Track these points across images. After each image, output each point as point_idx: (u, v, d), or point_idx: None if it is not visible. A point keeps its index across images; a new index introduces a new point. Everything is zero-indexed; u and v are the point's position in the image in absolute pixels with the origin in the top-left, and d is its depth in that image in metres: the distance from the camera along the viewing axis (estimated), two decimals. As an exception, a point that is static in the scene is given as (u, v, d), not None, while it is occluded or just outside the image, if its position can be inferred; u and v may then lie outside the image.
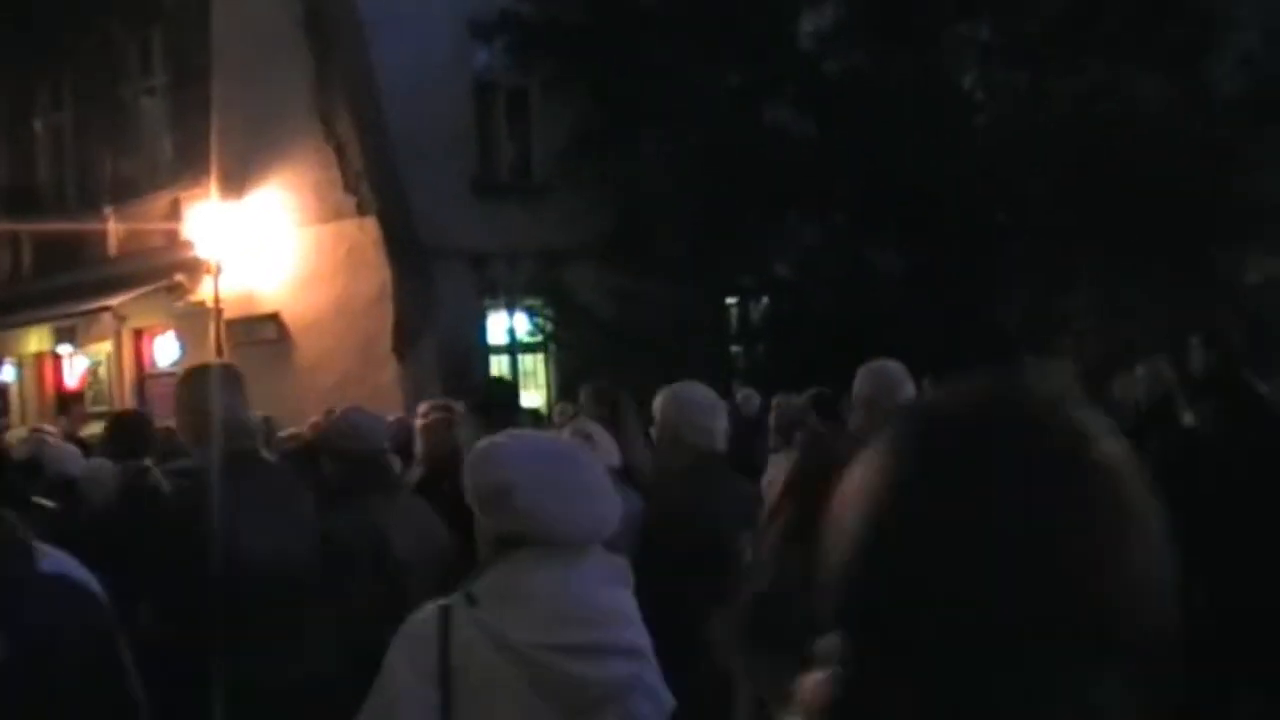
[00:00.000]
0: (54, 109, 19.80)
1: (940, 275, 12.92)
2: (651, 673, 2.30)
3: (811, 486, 2.36)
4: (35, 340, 19.35)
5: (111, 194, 18.43)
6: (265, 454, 4.00)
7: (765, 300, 15.21)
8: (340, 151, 14.58)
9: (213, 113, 16.26)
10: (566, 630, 2.19)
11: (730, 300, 15.63)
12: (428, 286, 14.32)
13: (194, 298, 16.22)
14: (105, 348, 18.36)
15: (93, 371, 18.94)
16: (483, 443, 2.38)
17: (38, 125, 20.03)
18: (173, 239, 16.63)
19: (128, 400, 18.03)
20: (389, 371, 13.90)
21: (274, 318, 15.59)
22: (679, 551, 3.79)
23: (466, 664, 2.15)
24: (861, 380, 4.69)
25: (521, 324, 15.98)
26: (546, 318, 15.54)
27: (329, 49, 14.79)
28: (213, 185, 16.19)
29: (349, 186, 14.61)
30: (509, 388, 5.12)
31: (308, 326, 15.23)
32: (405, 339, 14.10)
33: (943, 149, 12.69)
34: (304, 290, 15.35)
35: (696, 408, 4.24)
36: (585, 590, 2.24)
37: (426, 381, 13.50)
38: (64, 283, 18.55)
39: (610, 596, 2.29)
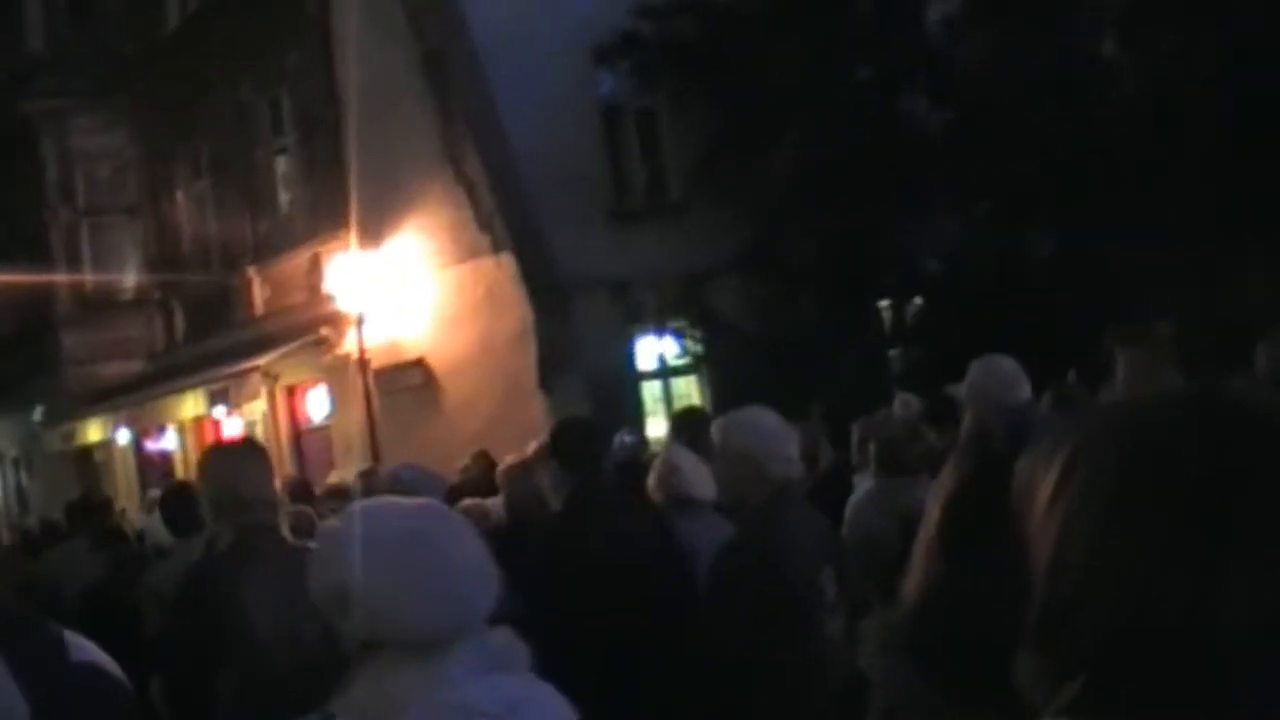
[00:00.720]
0: (194, 178, 20.47)
1: (1089, 258, 12.38)
2: None
3: (971, 499, 2.12)
4: (191, 405, 19.94)
5: (254, 255, 18.96)
6: (284, 530, 3.87)
7: (917, 300, 14.81)
8: (470, 190, 14.70)
9: (345, 165, 16.59)
10: None
11: (882, 303, 15.26)
12: (569, 318, 14.30)
13: (340, 350, 16.50)
14: (259, 407, 18.81)
15: (249, 431, 19.42)
16: (322, 533, 2.11)
17: (180, 196, 20.73)
18: (315, 294, 16.96)
19: (285, 457, 18.44)
20: (537, 407, 13.87)
21: (419, 363, 15.76)
22: (762, 593, 3.63)
23: None
24: (975, 378, 4.48)
25: (670, 348, 15.88)
26: (694, 339, 15.40)
27: (450, 89, 14.96)
28: (350, 237, 16.49)
29: (482, 225, 14.70)
30: (582, 428, 4.88)
31: (452, 369, 15.35)
32: (550, 373, 14.09)
33: (1084, 123, 12.18)
34: (446, 333, 15.49)
35: (774, 435, 3.96)
36: (458, 689, 1.91)
37: (576, 414, 13.44)
38: (215, 346, 19.14)
39: (493, 688, 1.93)
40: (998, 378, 4.57)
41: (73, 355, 20.93)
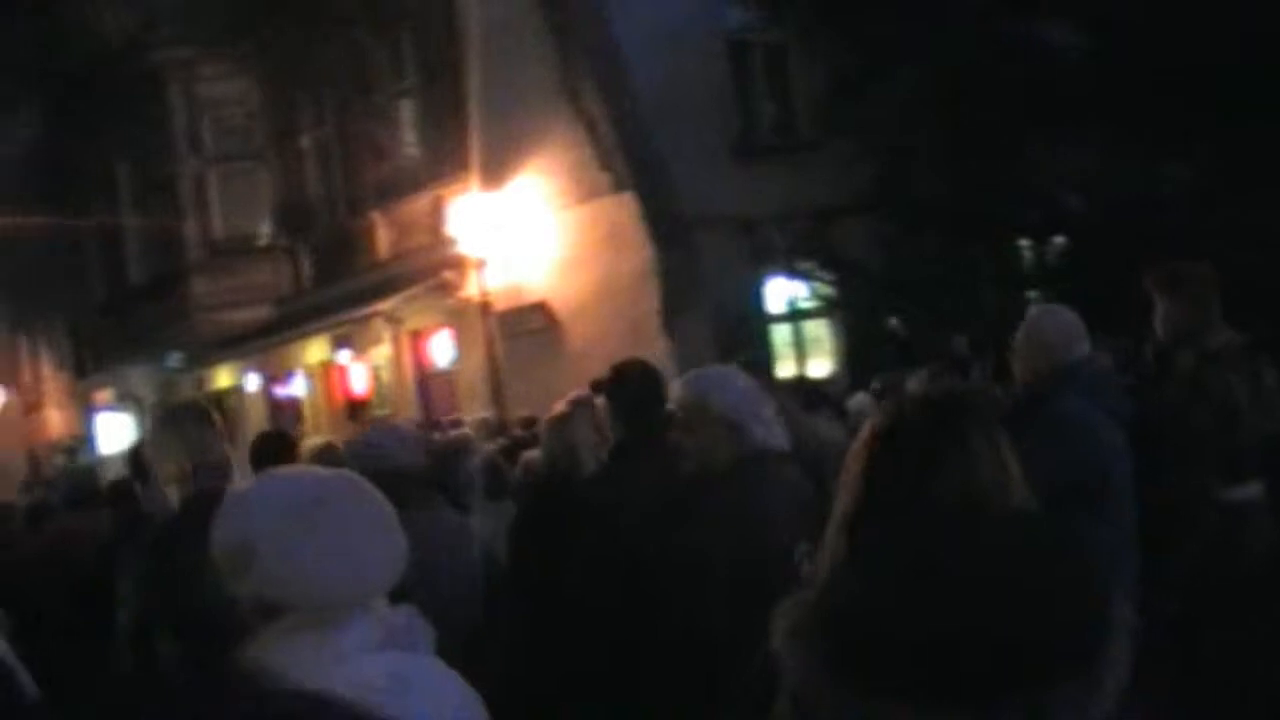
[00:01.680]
0: (318, 124, 20.76)
1: (1246, 186, 11.75)
2: None
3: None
4: (317, 350, 20.35)
5: (376, 199, 19.19)
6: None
7: (1060, 239, 14.33)
8: (592, 128, 14.64)
9: (466, 106, 16.67)
10: None
11: (1023, 243, 14.81)
12: (693, 258, 14.19)
13: (462, 294, 16.64)
14: (384, 351, 19.11)
15: (376, 376, 19.75)
16: (229, 493, 2.09)
17: (304, 142, 21.06)
18: (437, 237, 17.11)
19: (410, 403, 18.73)
20: (660, 349, 13.82)
21: (541, 306, 15.81)
22: (731, 568, 3.36)
23: None
24: (1030, 328, 4.27)
25: (801, 289, 15.68)
26: (823, 280, 15.16)
27: (571, 25, 14.88)
28: (472, 179, 16.58)
29: (604, 163, 14.64)
30: (648, 378, 4.53)
31: (574, 312, 15.37)
32: (674, 315, 14.02)
33: (1231, 33, 11.52)
34: (568, 275, 15.51)
35: (755, 398, 3.70)
36: (352, 664, 1.89)
37: (700, 357, 13.36)
38: (340, 291, 19.47)
39: (385, 664, 1.92)
40: (1054, 329, 4.36)
41: (202, 302, 21.47)
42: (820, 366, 15.25)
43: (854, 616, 1.63)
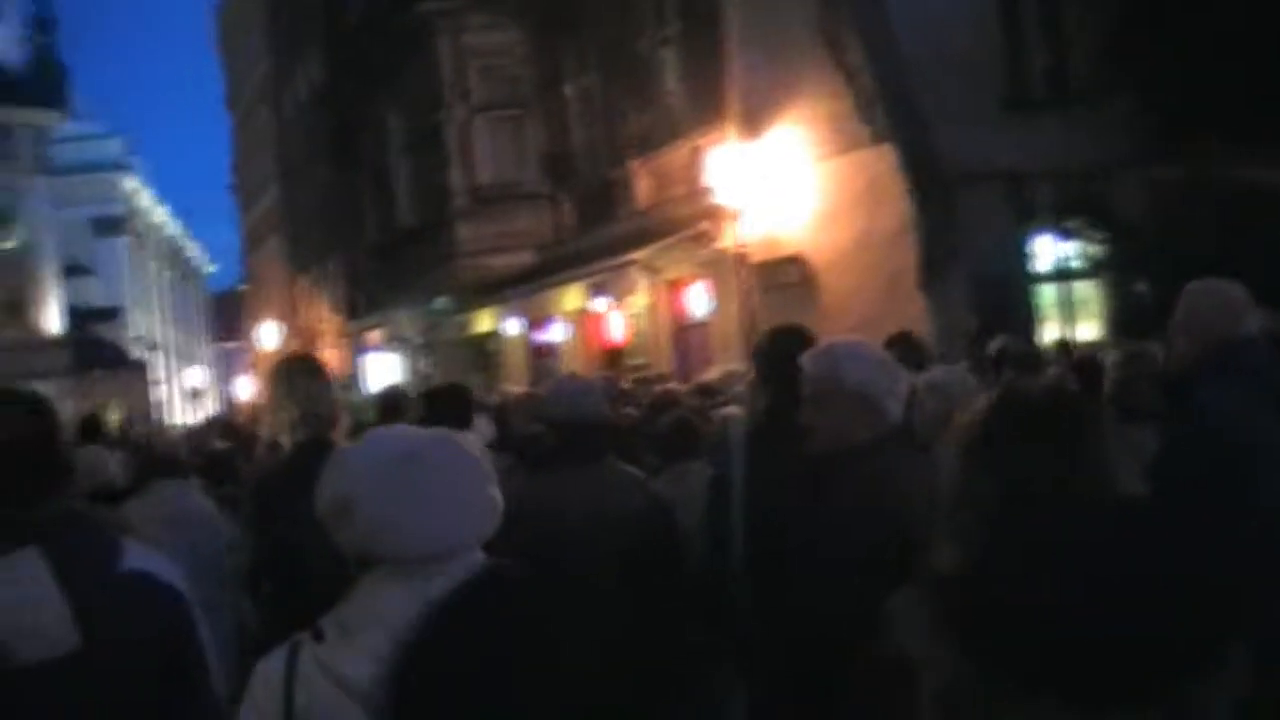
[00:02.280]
0: (581, 72, 21.21)
1: None
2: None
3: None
4: (575, 297, 20.90)
5: (637, 148, 19.52)
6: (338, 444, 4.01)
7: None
8: (851, 78, 14.50)
9: (725, 55, 16.75)
10: None
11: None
12: (954, 214, 13.94)
13: (719, 245, 16.80)
14: (641, 300, 19.48)
15: (633, 325, 20.17)
16: (336, 450, 2.20)
17: (568, 90, 21.56)
18: (695, 187, 17.30)
19: (665, 353, 19.07)
20: (917, 308, 13.69)
21: (796, 259, 15.84)
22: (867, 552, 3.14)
23: (310, 707, 2.00)
24: (1190, 302, 3.92)
25: (1069, 249, 15.21)
26: (1094, 240, 14.66)
27: (832, -30, 14.74)
28: (730, 129, 16.68)
29: (863, 114, 14.49)
30: (793, 337, 4.23)
31: (830, 265, 15.34)
32: (932, 272, 13.83)
33: None
34: (825, 228, 15.47)
35: (893, 371, 3.53)
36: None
37: (958, 316, 13.21)
38: (599, 239, 19.93)
39: None
40: (1218, 304, 4.00)
41: (467, 247, 22.30)
42: (1087, 330, 14.80)
43: (1014, 615, 1.67)
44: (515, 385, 19.47)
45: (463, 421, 5.48)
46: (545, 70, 22.00)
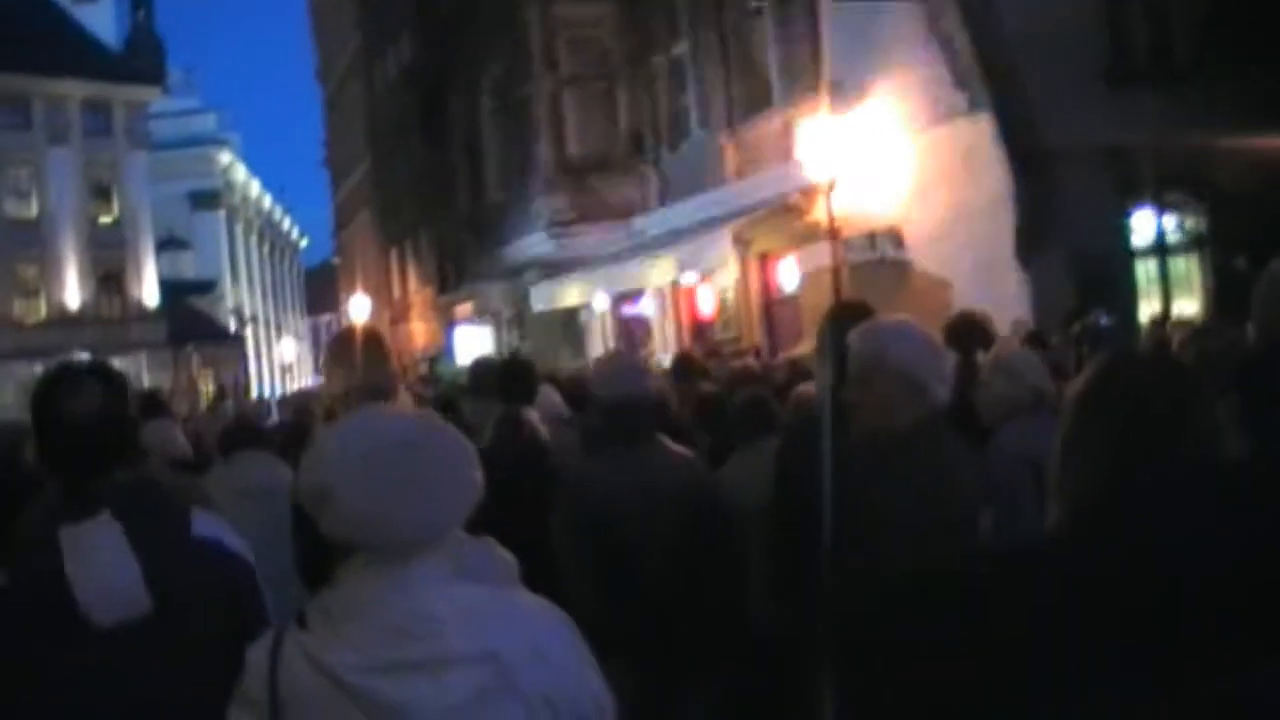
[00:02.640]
0: (671, 42, 21.12)
1: None
2: (528, 673, 2.03)
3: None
4: (664, 270, 20.84)
5: (728, 119, 19.41)
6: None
7: None
8: (948, 45, 14.26)
9: (819, 25, 16.57)
10: (391, 646, 1.99)
11: None
12: (1053, 187, 13.67)
13: (811, 217, 16.65)
14: (730, 274, 19.38)
15: (721, 299, 20.10)
16: (316, 434, 2.25)
17: (657, 61, 21.48)
18: (787, 159, 17.15)
19: (755, 327, 19.00)
20: (1013, 281, 13.48)
21: (891, 232, 15.66)
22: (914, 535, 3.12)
23: (293, 695, 2.01)
24: (1274, 281, 3.71)
25: (1169, 223, 14.89)
26: (1194, 214, 14.33)
27: (930, -64, 14.50)
28: (823, 100, 16.51)
29: (960, 83, 14.26)
30: (855, 313, 4.09)
31: (925, 238, 15.14)
32: (1029, 246, 13.59)
33: None
34: (918, 200, 15.27)
35: (937, 353, 3.49)
36: (420, 595, 2.02)
37: (1056, 292, 12.97)
38: (689, 212, 19.86)
39: (455, 597, 2.03)
40: None
41: (556, 220, 22.39)
42: (1187, 306, 14.47)
43: (1124, 577, 1.65)
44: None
45: (525, 396, 5.48)
46: (635, 41, 21.95)
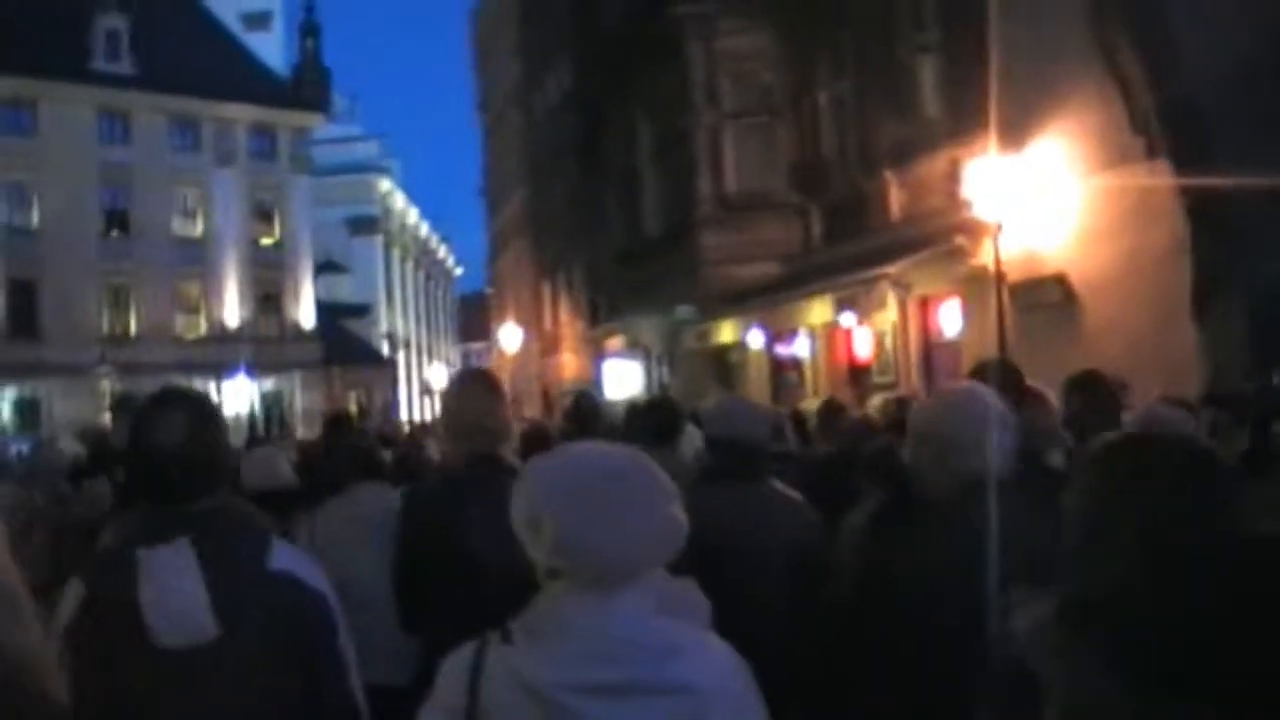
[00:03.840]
0: (835, 78, 21.07)
1: None
2: (717, 709, 2.14)
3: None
4: (820, 310, 20.75)
5: (891, 158, 19.26)
6: (508, 457, 4.30)
7: None
8: (1125, 87, 13.95)
9: (988, 63, 16.36)
10: (593, 668, 2.11)
11: None
12: (1233, 236, 13.24)
13: (975, 261, 16.40)
14: (889, 317, 19.21)
15: (879, 341, 19.91)
16: (529, 467, 2.34)
17: (820, 97, 21.45)
18: (952, 200, 16.94)
19: (914, 372, 18.76)
20: (1188, 335, 13.08)
21: (1058, 279, 15.34)
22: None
23: (492, 705, 2.15)
24: None
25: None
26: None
27: (1107, -28, 14.23)
28: (991, 140, 16.27)
29: (1137, 126, 13.91)
30: (1090, 378, 4.47)
31: (1095, 287, 14.79)
32: (1207, 297, 13.17)
33: None
34: (1089, 247, 14.93)
35: (971, 418, 3.44)
36: (622, 623, 2.15)
37: (1233, 349, 12.56)
38: (848, 252, 19.73)
39: (656, 629, 2.17)
40: None
41: (711, 256, 22.45)
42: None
43: (1171, 634, 1.84)
44: (759, 399, 19.45)
45: (666, 436, 5.60)
46: (797, 77, 21.96)
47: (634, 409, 6.55)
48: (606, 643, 2.13)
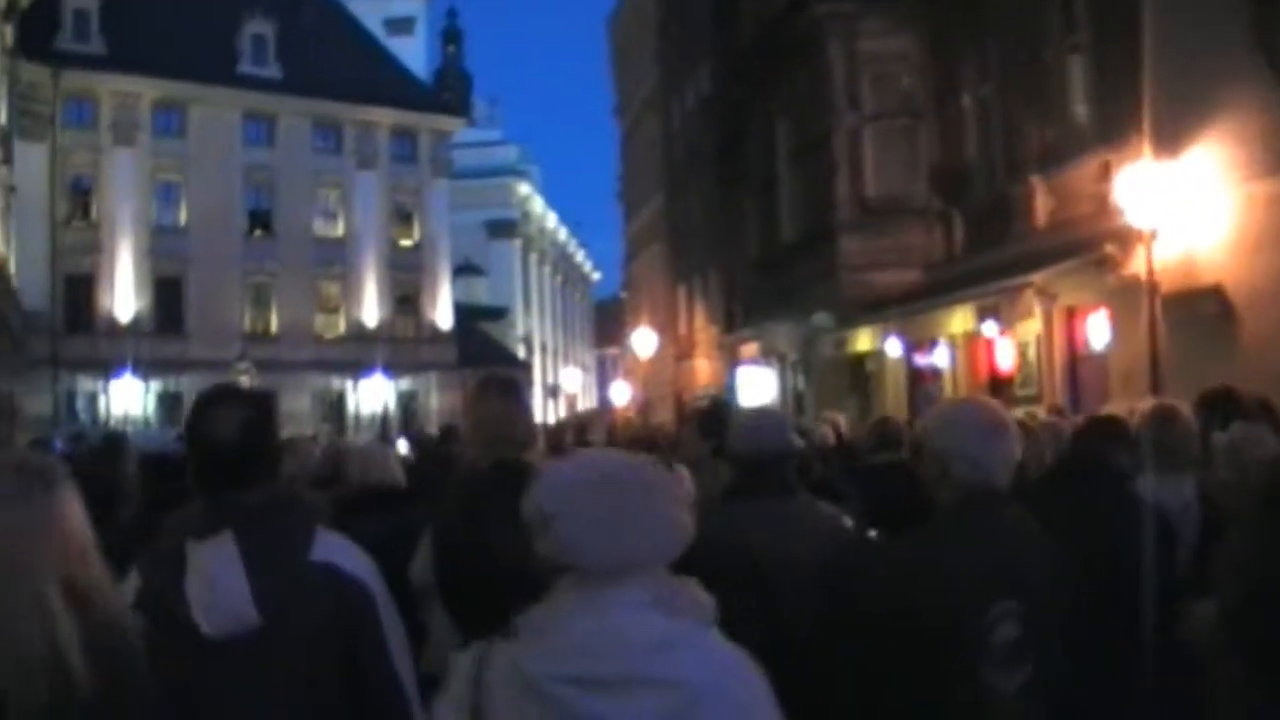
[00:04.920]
0: (980, 81, 20.63)
1: None
2: (712, 707, 2.20)
3: None
4: (961, 320, 20.33)
5: (1037, 163, 18.78)
6: (531, 462, 4.15)
7: None
8: (1289, 89, 13.39)
9: (1141, 64, 15.85)
10: (586, 661, 2.21)
11: None
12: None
13: (1126, 271, 15.89)
14: (1033, 327, 18.74)
15: (1022, 352, 19.44)
16: (543, 467, 2.51)
17: (965, 100, 21.02)
18: (1102, 207, 16.43)
19: (1058, 385, 18.26)
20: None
21: (1214, 290, 14.75)
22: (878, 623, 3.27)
23: (495, 697, 2.26)
24: None
25: None
26: None
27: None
28: (1144, 144, 15.76)
29: (1302, 131, 13.36)
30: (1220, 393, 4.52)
31: (1254, 300, 14.18)
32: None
33: None
34: (1248, 258, 14.32)
35: (972, 433, 3.43)
36: (614, 617, 2.24)
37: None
38: (991, 259, 19.31)
39: (650, 624, 2.25)
40: None
41: (850, 262, 22.16)
42: None
43: None
44: (896, 409, 19.10)
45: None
46: (941, 79, 21.58)
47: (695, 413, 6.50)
48: (597, 637, 2.22)
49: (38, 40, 43.13)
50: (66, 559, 2.38)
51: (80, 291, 47.97)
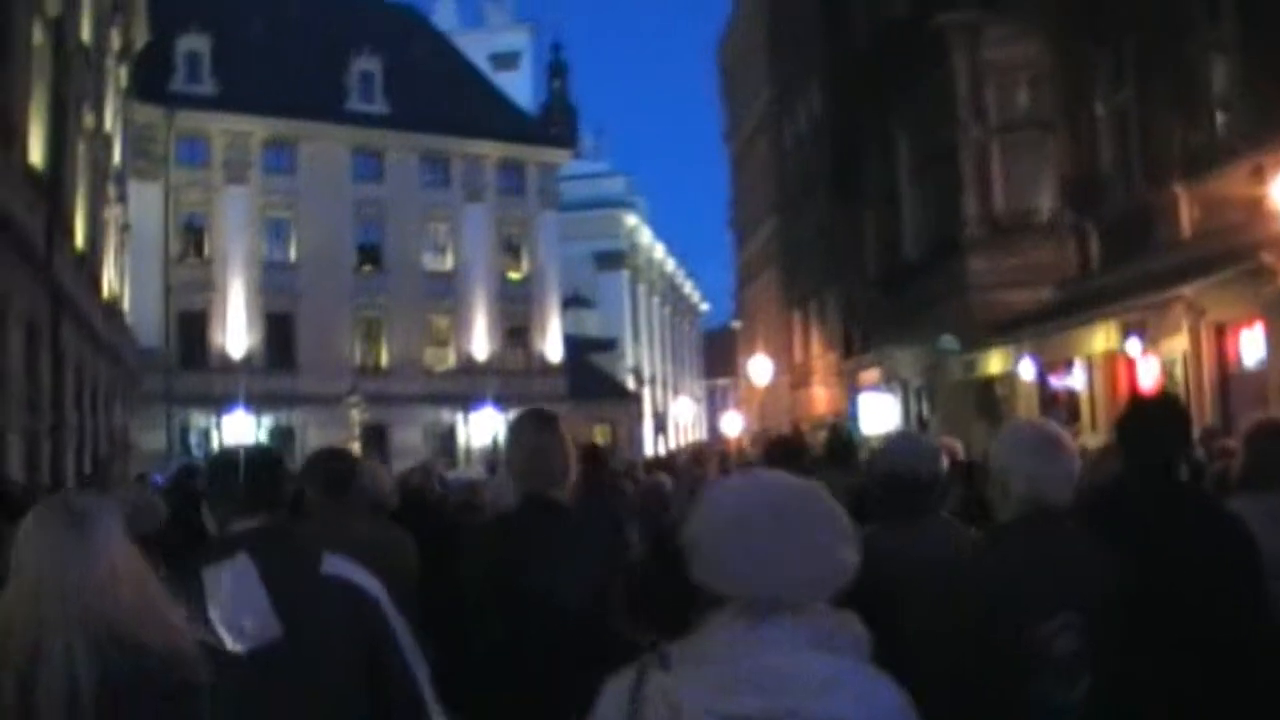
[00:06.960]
0: (1115, 86, 19.73)
1: None
2: None
3: None
4: (1102, 338, 19.45)
5: (1181, 169, 17.81)
6: (559, 497, 4.44)
7: None
8: None
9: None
10: (740, 697, 2.12)
11: None
12: None
13: (1283, 281, 14.94)
14: (1179, 344, 17.78)
15: (1167, 371, 18.47)
16: (704, 493, 2.41)
17: (1098, 107, 20.11)
18: (1255, 213, 15.46)
19: (1207, 402, 17.26)
20: None
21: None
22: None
23: None
24: None
25: None
26: None
27: None
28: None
29: None
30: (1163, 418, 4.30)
31: None
32: None
33: None
34: None
35: (1029, 449, 3.63)
36: (775, 654, 2.15)
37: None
38: (1132, 274, 18.38)
39: (810, 662, 2.15)
40: None
41: (979, 280, 21.34)
42: None
43: None
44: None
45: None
46: (1071, 85, 20.68)
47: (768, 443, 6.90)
48: (753, 671, 2.14)
49: (152, 83, 44.05)
50: (101, 596, 2.56)
51: (193, 328, 48.69)
